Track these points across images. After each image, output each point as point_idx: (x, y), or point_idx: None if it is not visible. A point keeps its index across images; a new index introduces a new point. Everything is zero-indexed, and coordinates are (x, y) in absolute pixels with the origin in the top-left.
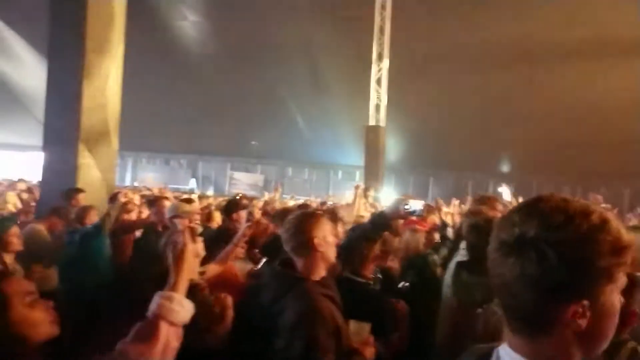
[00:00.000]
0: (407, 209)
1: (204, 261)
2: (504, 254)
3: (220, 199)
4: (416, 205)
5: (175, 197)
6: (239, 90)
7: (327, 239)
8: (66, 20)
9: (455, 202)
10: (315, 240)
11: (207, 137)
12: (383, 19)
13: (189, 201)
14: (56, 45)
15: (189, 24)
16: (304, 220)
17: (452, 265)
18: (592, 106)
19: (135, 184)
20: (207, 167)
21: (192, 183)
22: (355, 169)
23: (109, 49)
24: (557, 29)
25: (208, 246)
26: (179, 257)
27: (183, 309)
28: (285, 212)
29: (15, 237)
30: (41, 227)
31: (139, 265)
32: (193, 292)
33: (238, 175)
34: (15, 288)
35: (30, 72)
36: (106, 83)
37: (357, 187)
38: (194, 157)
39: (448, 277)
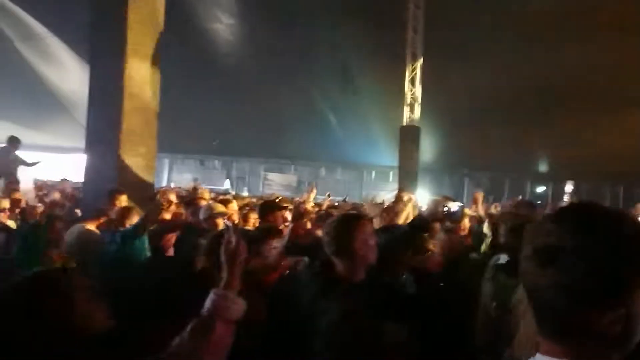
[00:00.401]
0: (446, 211)
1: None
2: (537, 263)
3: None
4: (455, 206)
5: (212, 199)
6: (272, 91)
7: (368, 242)
8: (106, 25)
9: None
10: (356, 244)
11: (241, 138)
12: (416, 17)
13: (226, 202)
14: (97, 50)
15: (223, 26)
16: (345, 223)
17: (490, 267)
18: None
19: (172, 184)
20: (241, 168)
21: (227, 184)
22: (389, 170)
23: (147, 52)
24: None
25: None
26: (233, 255)
27: (237, 306)
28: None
29: (57, 233)
30: (92, 227)
31: (179, 266)
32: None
33: (272, 176)
34: (78, 282)
35: (72, 76)
36: (145, 86)
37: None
38: (228, 159)
39: (486, 279)
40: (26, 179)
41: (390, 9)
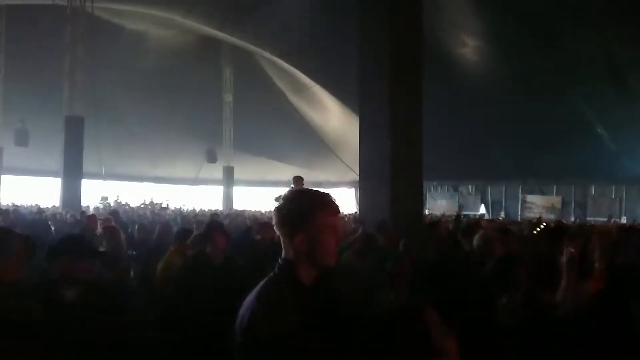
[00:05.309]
0: None
1: None
2: None
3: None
4: None
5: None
6: (527, 108)
7: None
8: (372, 71)
9: None
10: None
11: (495, 160)
12: None
13: (505, 231)
14: (365, 93)
15: (469, 50)
16: None
17: None
18: None
19: (427, 211)
20: (497, 191)
21: (482, 209)
22: None
23: (410, 92)
24: None
25: None
26: None
27: None
28: None
29: None
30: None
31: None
32: None
33: (531, 197)
34: (433, 318)
35: (334, 118)
36: (410, 120)
37: None
38: (482, 182)
39: None
40: None
41: None
